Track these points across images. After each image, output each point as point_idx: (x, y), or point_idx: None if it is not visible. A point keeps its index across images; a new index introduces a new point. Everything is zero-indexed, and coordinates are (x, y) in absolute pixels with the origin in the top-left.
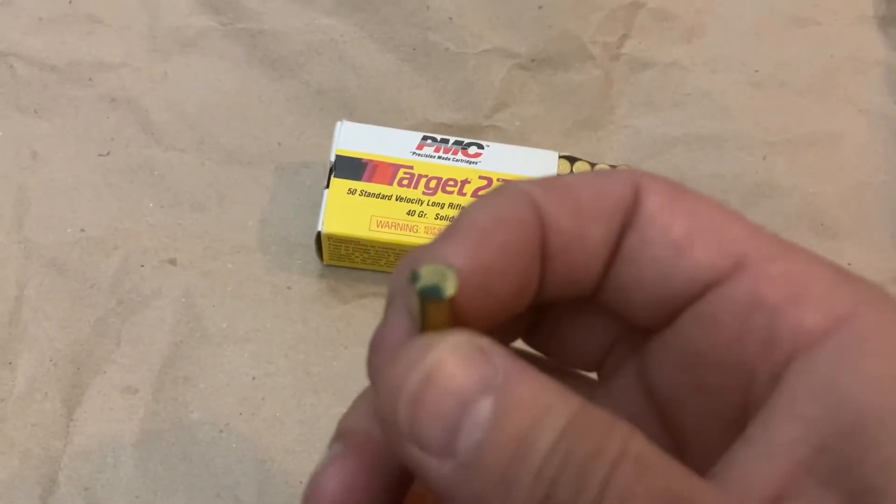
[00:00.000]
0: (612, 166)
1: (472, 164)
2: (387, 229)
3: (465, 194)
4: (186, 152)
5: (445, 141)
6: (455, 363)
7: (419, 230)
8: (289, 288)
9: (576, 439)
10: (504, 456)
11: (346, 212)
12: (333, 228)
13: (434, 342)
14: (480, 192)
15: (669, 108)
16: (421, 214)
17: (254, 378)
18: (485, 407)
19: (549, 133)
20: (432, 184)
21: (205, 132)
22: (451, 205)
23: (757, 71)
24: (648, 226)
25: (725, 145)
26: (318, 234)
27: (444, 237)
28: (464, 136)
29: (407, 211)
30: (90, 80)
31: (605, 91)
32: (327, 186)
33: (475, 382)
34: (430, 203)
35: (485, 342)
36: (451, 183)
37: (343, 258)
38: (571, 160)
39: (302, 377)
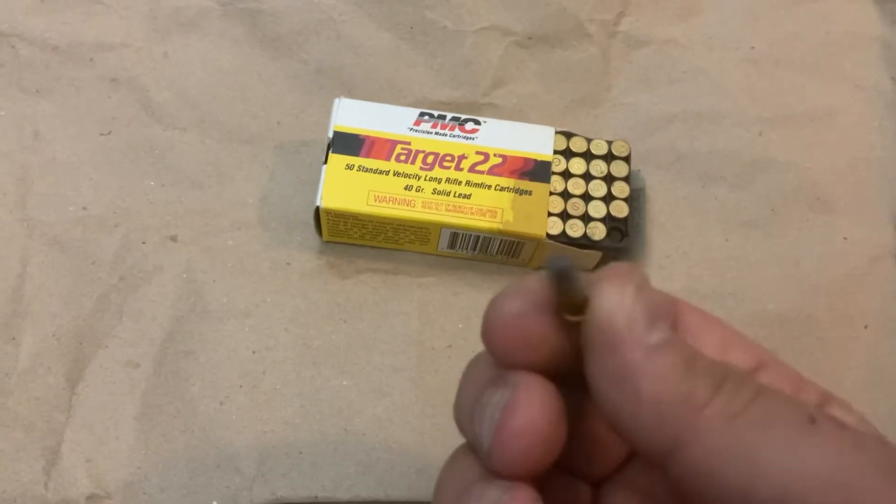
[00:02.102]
0: (609, 142)
1: (469, 140)
2: (385, 204)
3: (461, 169)
4: (187, 131)
5: (443, 117)
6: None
7: (416, 205)
8: (288, 264)
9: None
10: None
11: (344, 187)
12: (332, 203)
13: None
14: (478, 168)
15: (666, 85)
16: (418, 189)
17: (254, 352)
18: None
19: (546, 111)
20: (430, 159)
21: (205, 111)
22: (448, 179)
23: (753, 48)
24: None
25: (722, 121)
26: (317, 208)
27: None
28: (462, 113)
29: (405, 186)
30: (91, 60)
31: (602, 68)
32: (325, 162)
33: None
34: (427, 178)
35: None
36: (449, 158)
37: (342, 234)
38: (568, 135)
39: (301, 351)
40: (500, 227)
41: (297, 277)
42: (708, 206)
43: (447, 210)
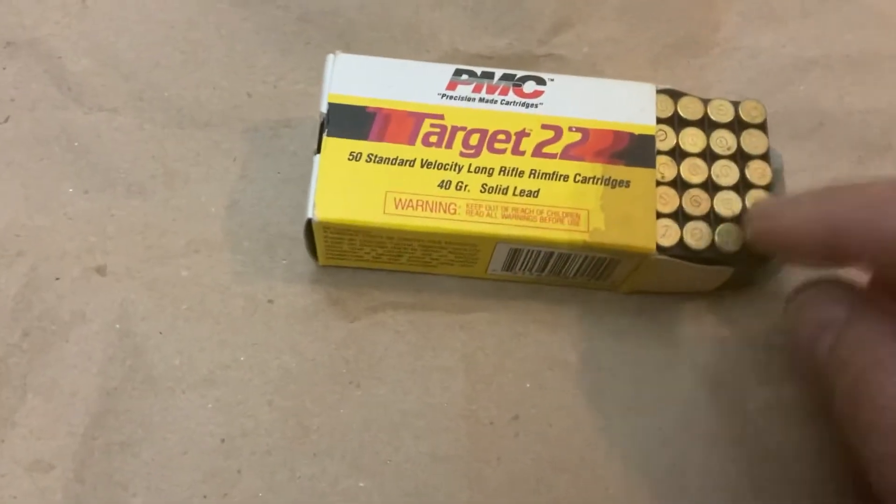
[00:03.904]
0: (734, 103)
1: (530, 109)
2: (411, 211)
3: (523, 153)
4: (119, 113)
5: (489, 76)
6: None
7: (459, 210)
8: (270, 302)
9: None
10: None
11: (348, 187)
12: (331, 213)
13: None
14: (547, 149)
15: (798, 19)
16: (460, 186)
17: (223, 440)
18: None
19: (630, 62)
20: (473, 139)
21: (143, 83)
22: (503, 170)
23: None
24: None
25: (883, 67)
26: (309, 221)
27: None
28: (513, 68)
29: (439, 182)
30: None
31: (707, 2)
32: (318, 151)
33: None
34: (472, 169)
35: None
36: (503, 137)
37: (346, 256)
38: (675, 95)
39: (294, 435)
40: (586, 238)
41: (284, 321)
42: None
43: (504, 216)
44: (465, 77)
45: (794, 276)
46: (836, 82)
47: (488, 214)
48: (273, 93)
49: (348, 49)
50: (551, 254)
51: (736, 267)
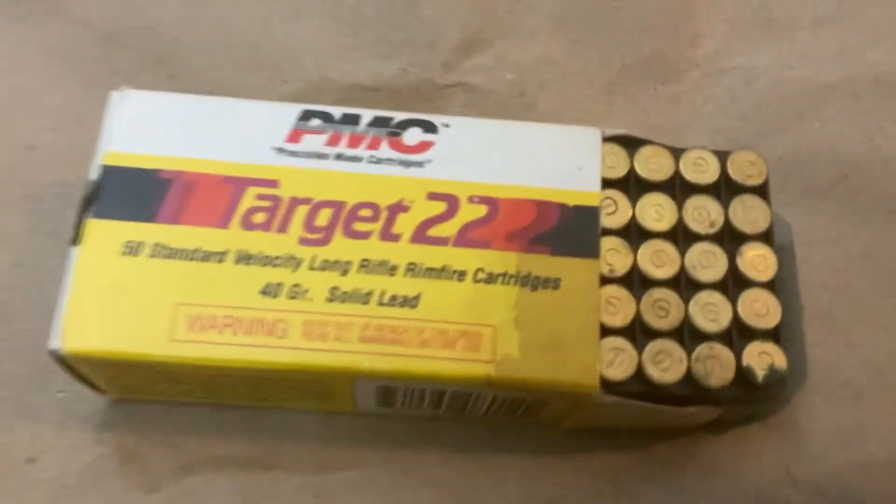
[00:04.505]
0: (722, 154)
1: (412, 170)
2: (214, 335)
3: (397, 238)
4: None
5: (352, 120)
6: None
7: (292, 331)
8: (31, 461)
9: None
10: None
11: (117, 298)
12: (84, 342)
13: None
14: (434, 231)
15: (809, 28)
16: (295, 293)
17: None
18: None
19: (573, 93)
20: (322, 218)
21: None
22: (364, 265)
23: None
24: None
25: None
26: (53, 352)
27: None
28: (400, 109)
29: (263, 287)
30: None
31: (682, 5)
32: (75, 241)
33: None
34: (316, 264)
35: None
36: (367, 214)
37: (142, 389)
38: (631, 143)
39: None
40: (491, 371)
41: (47, 493)
42: None
43: (364, 339)
44: (315, 122)
45: (809, 402)
46: (864, 116)
47: (337, 338)
48: (65, 143)
49: (172, 80)
50: (443, 392)
51: (726, 406)
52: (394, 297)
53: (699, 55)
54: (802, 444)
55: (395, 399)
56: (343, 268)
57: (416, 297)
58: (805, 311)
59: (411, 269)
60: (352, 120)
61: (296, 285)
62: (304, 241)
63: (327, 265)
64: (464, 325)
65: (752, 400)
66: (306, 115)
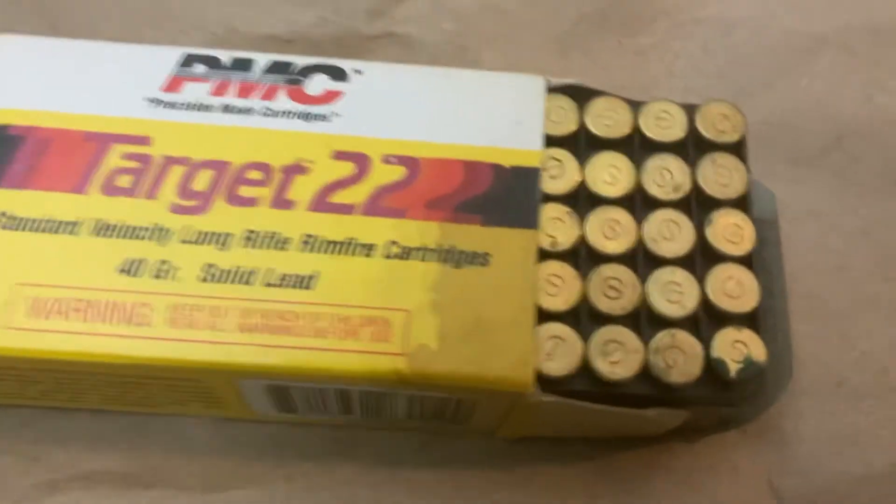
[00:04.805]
0: (687, 107)
1: (314, 124)
2: (61, 321)
3: (292, 205)
4: None
5: (244, 66)
6: None
7: (156, 317)
8: None
9: None
10: None
11: None
12: None
13: None
14: (337, 197)
15: None
16: (163, 272)
17: None
18: None
19: (524, 46)
20: (201, 181)
21: None
22: (249, 237)
23: None
24: None
25: None
26: None
27: None
28: (319, 55)
29: (120, 264)
30: None
31: None
32: None
33: None
34: (190, 237)
35: None
36: (257, 176)
37: None
38: (581, 95)
39: None
40: (401, 366)
41: None
42: None
43: (244, 328)
44: (199, 69)
45: (796, 404)
46: (861, 71)
47: (212, 326)
48: None
49: (55, 31)
50: (348, 393)
51: (693, 408)
52: (284, 277)
53: (668, 3)
54: (788, 453)
55: (293, 402)
56: (222, 240)
57: (313, 277)
58: (792, 298)
59: (308, 242)
60: (244, 65)
61: (163, 262)
62: (176, 209)
63: (203, 237)
64: (370, 309)
65: (724, 401)
66: (189, 60)
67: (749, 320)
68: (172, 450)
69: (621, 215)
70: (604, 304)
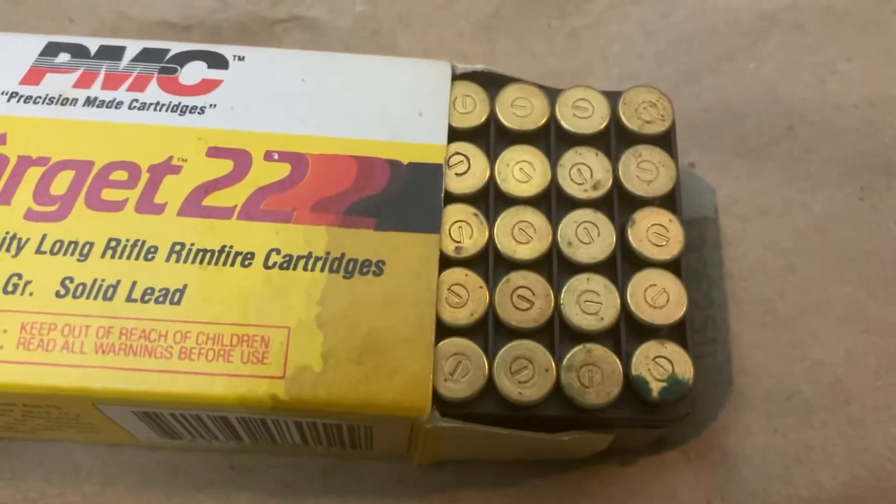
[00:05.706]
0: (610, 95)
1: (188, 117)
2: None
3: (161, 208)
4: None
5: (113, 54)
6: None
7: (4, 341)
8: None
9: None
10: None
11: None
12: None
13: None
14: (211, 200)
15: None
16: (14, 286)
17: None
18: None
19: (442, 30)
20: (60, 184)
21: None
22: (111, 246)
23: None
24: None
25: (893, 22)
26: None
27: None
28: (220, 40)
29: None
30: None
31: None
32: None
33: None
34: (45, 246)
35: None
36: (121, 177)
37: None
38: (489, 82)
39: None
40: (280, 392)
41: None
42: (883, 249)
43: (103, 349)
44: (62, 58)
45: (741, 420)
46: (813, 54)
47: (67, 347)
48: None
49: None
50: (226, 418)
51: (618, 431)
52: (149, 291)
53: None
54: (732, 474)
55: (173, 428)
56: (81, 251)
57: (181, 290)
58: (738, 303)
59: (177, 251)
60: (112, 54)
61: (15, 275)
62: (31, 216)
63: (61, 247)
64: (245, 326)
65: (646, 423)
66: (51, 49)
67: (675, 333)
68: (54, 477)
69: (534, 217)
70: (513, 317)
